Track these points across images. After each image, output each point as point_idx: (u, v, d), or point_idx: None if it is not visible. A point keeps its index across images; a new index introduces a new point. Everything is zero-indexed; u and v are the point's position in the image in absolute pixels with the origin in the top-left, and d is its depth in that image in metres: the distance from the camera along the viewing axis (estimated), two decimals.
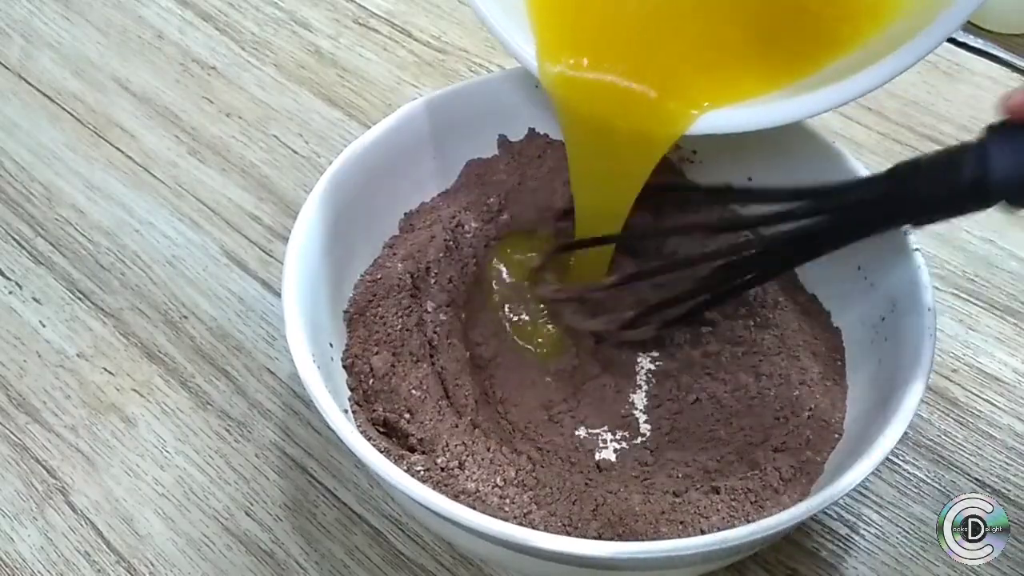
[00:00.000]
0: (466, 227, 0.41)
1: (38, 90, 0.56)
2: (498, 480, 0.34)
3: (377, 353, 0.37)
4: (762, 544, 0.34)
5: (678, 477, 0.37)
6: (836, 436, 0.36)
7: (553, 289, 0.42)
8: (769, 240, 0.38)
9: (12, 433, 0.42)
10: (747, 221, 0.39)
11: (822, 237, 0.35)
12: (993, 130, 0.30)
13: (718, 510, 0.33)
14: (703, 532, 0.32)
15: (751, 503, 0.34)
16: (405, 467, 0.33)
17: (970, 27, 0.60)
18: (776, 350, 0.39)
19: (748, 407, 0.38)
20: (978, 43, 0.58)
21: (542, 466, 0.36)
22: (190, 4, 0.61)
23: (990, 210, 0.30)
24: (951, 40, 0.59)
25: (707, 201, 0.43)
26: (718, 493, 0.34)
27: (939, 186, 0.31)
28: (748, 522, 0.33)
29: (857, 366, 0.38)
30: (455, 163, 0.43)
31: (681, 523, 0.33)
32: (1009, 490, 0.40)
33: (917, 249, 0.36)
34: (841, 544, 0.38)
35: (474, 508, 0.30)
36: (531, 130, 0.44)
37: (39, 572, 0.38)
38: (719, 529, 0.32)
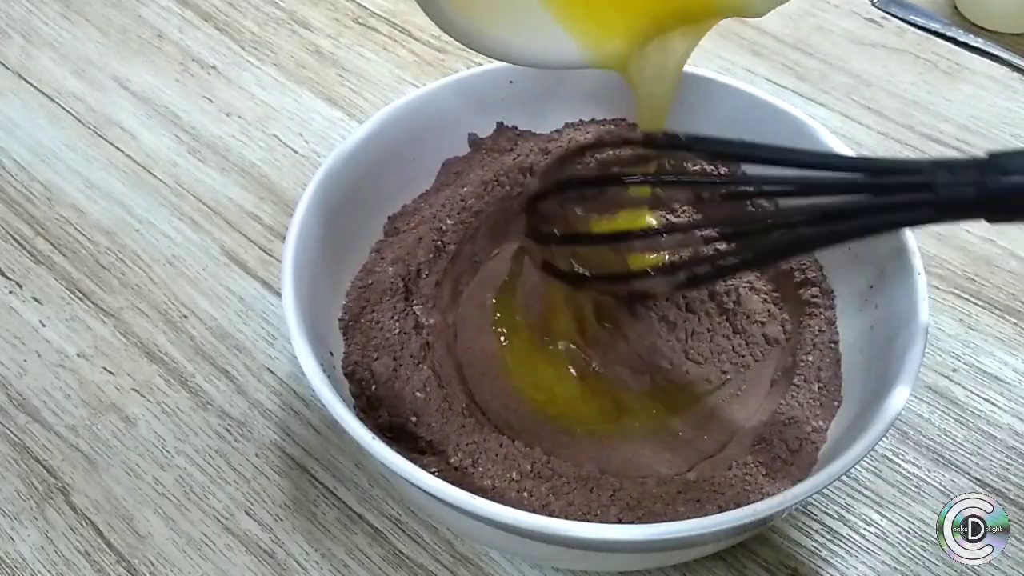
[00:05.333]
0: (450, 223, 0.42)
1: (38, 90, 0.56)
2: (514, 475, 0.34)
3: (377, 359, 0.37)
4: (781, 516, 0.34)
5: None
6: (836, 404, 0.37)
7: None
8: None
9: (12, 433, 0.42)
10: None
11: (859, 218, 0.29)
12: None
13: (732, 485, 0.34)
14: (720, 508, 0.33)
15: (763, 475, 0.34)
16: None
17: (970, 26, 0.60)
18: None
19: None
20: (978, 42, 0.58)
21: (556, 456, 0.36)
22: (190, 4, 0.61)
23: None
24: (951, 39, 0.59)
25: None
26: (729, 468, 0.34)
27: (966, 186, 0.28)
28: (762, 495, 0.33)
29: (847, 332, 0.39)
30: (432, 164, 0.44)
31: (697, 501, 0.33)
32: (1009, 490, 0.40)
33: None
34: (841, 544, 0.38)
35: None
36: (499, 124, 0.44)
37: (39, 572, 0.38)
38: (736, 504, 0.33)
